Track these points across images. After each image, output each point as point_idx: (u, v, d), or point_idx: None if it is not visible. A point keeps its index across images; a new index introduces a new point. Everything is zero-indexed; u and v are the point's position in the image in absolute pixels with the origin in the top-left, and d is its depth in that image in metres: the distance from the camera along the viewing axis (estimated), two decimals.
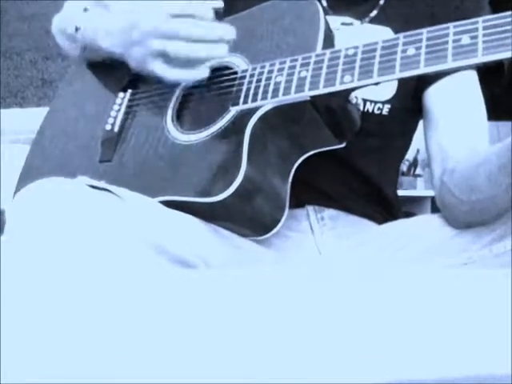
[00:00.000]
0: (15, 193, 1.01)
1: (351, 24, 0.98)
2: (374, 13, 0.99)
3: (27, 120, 1.25)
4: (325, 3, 1.00)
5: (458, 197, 0.86)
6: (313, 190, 0.97)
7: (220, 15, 0.98)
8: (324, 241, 0.96)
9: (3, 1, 3.98)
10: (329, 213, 0.98)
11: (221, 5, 0.87)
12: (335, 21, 0.97)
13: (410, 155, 2.94)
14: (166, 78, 0.88)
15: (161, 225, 0.79)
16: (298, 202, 0.95)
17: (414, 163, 2.98)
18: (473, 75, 0.97)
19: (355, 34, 0.97)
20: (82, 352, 0.42)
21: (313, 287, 0.48)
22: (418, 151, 2.94)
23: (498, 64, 0.95)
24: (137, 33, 0.88)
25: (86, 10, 1.02)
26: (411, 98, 0.99)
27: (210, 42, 0.83)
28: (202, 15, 0.84)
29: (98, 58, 1.02)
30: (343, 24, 0.98)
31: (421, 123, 1.05)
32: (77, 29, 1.02)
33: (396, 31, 0.95)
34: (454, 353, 0.44)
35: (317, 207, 0.98)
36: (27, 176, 1.04)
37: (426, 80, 0.97)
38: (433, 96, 0.97)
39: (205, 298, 0.46)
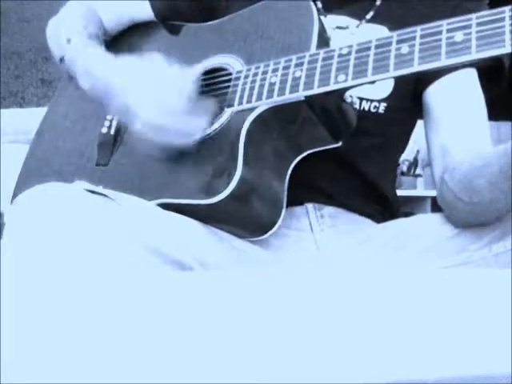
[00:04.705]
0: (13, 197, 1.01)
1: (347, 28, 0.98)
2: (370, 14, 0.98)
3: (27, 120, 1.25)
4: (320, 4, 0.99)
5: (459, 197, 0.86)
6: (312, 188, 0.97)
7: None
8: (323, 239, 0.96)
9: (3, 1, 3.98)
10: (328, 210, 0.98)
11: None
12: (330, 23, 0.96)
13: (409, 155, 2.94)
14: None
15: (157, 228, 0.79)
16: (297, 200, 0.95)
17: (414, 163, 2.98)
18: (472, 73, 0.96)
19: (350, 36, 0.97)
20: (81, 353, 0.42)
21: (311, 286, 0.48)
22: (417, 151, 2.94)
23: (498, 64, 0.95)
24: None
25: (68, 41, 1.00)
26: (409, 97, 0.99)
27: None
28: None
29: None
30: (338, 28, 0.98)
31: (420, 122, 1.05)
32: (61, 59, 1.01)
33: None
34: (454, 353, 0.44)
35: (316, 205, 0.98)
36: (25, 180, 1.04)
37: (425, 79, 0.96)
38: (433, 95, 0.97)
39: (202, 299, 0.46)
